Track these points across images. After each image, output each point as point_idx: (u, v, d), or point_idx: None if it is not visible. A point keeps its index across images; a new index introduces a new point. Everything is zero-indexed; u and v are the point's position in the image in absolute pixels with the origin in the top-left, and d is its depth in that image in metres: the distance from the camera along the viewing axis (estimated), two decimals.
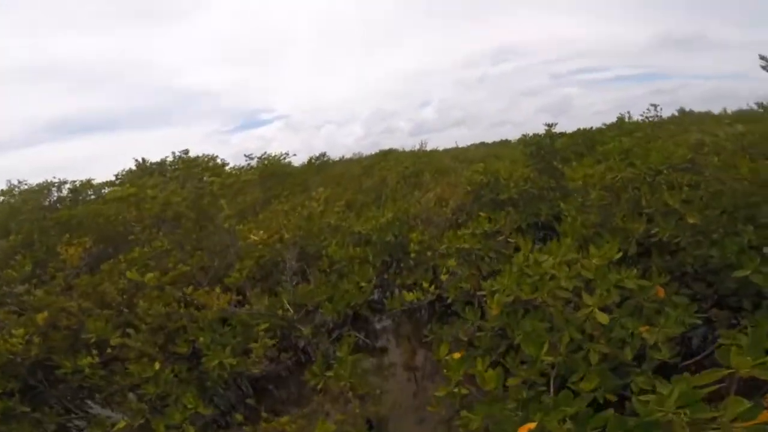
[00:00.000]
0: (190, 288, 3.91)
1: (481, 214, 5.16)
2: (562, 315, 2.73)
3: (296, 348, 4.67)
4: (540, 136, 6.91)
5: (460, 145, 19.83)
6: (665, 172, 3.64)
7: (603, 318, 2.52)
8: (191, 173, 8.82)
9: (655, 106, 8.19)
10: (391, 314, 4.71)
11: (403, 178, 7.33)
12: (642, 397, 1.86)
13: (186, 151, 12.50)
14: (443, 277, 3.93)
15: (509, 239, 4.22)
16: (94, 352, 3.88)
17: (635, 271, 2.92)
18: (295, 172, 13.85)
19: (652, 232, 3.57)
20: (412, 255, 4.35)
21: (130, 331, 3.96)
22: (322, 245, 5.27)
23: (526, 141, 6.99)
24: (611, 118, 9.65)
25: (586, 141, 7.43)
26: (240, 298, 4.95)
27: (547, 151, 6.73)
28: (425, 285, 3.67)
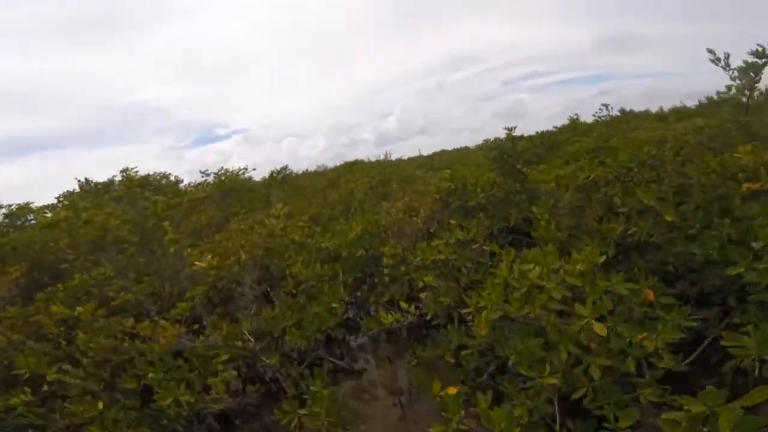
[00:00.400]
0: (131, 320, 3.35)
1: (452, 221, 4.94)
2: (556, 328, 2.48)
3: (263, 379, 4.18)
4: (501, 140, 6.83)
5: (424, 153, 19.84)
6: (635, 169, 3.54)
7: (601, 329, 2.29)
8: (132, 193, 8.09)
9: (606, 106, 8.38)
10: (369, 333, 4.34)
11: (371, 188, 7.01)
12: (666, 416, 1.61)
13: (131, 169, 11.63)
14: (421, 295, 3.61)
15: (484, 246, 3.98)
16: (27, 389, 3.27)
17: (621, 274, 2.76)
18: (257, 187, 13.20)
19: (629, 232, 3.45)
20: (386, 270, 4.00)
21: (66, 367, 3.35)
22: (286, 264, 4.82)
23: (488, 146, 6.87)
24: (564, 120, 9.85)
25: (545, 143, 7.44)
26: (196, 327, 4.40)
27: (509, 154, 6.64)
28: (403, 304, 3.34)
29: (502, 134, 6.90)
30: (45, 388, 3.17)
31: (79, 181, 11.09)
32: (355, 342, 5.41)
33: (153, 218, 5.07)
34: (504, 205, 5.45)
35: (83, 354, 3.35)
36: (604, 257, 2.88)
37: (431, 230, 5.08)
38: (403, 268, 3.99)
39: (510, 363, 2.60)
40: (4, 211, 10.46)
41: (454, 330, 3.16)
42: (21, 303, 4.40)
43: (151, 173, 12.40)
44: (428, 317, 3.39)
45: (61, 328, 3.49)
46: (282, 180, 14.73)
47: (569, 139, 7.53)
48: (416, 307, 3.35)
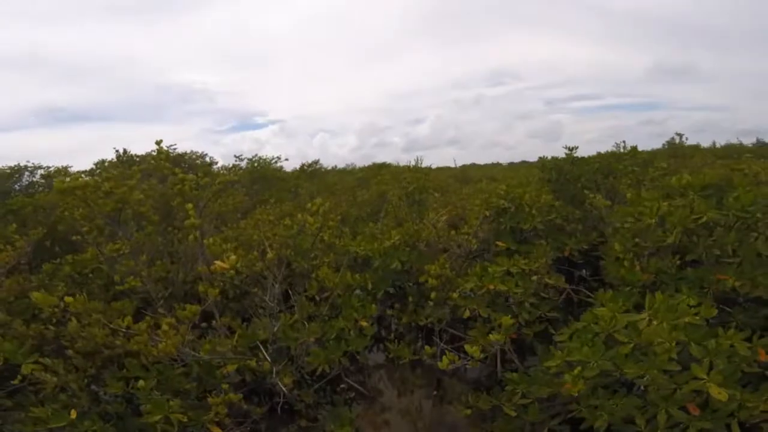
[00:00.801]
0: (128, 319, 2.81)
1: (499, 243, 4.27)
2: (659, 389, 1.92)
3: (271, 393, 3.60)
4: (559, 159, 6.14)
5: (453, 165, 19.10)
6: (759, 215, 2.81)
7: (721, 394, 1.82)
8: (161, 167, 7.74)
9: (680, 135, 7.49)
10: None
11: (406, 194, 6.40)
12: None
13: (170, 146, 11.43)
14: (471, 332, 2.97)
15: (547, 280, 3.32)
16: None
17: (733, 331, 2.17)
18: (287, 177, 12.80)
19: (738, 284, 2.75)
20: (432, 294, 3.37)
21: (45, 360, 2.82)
22: (313, 265, 4.26)
23: (544, 164, 6.18)
24: (603, 147, 8.96)
25: (602, 168, 6.66)
26: (204, 325, 3.87)
27: (568, 176, 5.94)
28: (469, 348, 2.66)
29: (536, 154, 6.26)
30: (17, 380, 2.66)
31: (116, 151, 10.92)
32: (371, 357, 4.78)
33: (178, 197, 4.59)
34: (560, 233, 4.75)
35: (72, 342, 2.84)
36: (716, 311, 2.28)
37: (475, 251, 4.43)
38: (447, 293, 3.36)
39: (597, 424, 2.01)
40: (42, 172, 10.37)
41: (518, 377, 2.52)
42: (21, 275, 3.97)
43: (187, 151, 12.24)
44: (479, 357, 2.74)
45: (55, 309, 3.01)
46: (312, 174, 14.32)
47: (626, 168, 6.73)
48: (482, 351, 2.69)
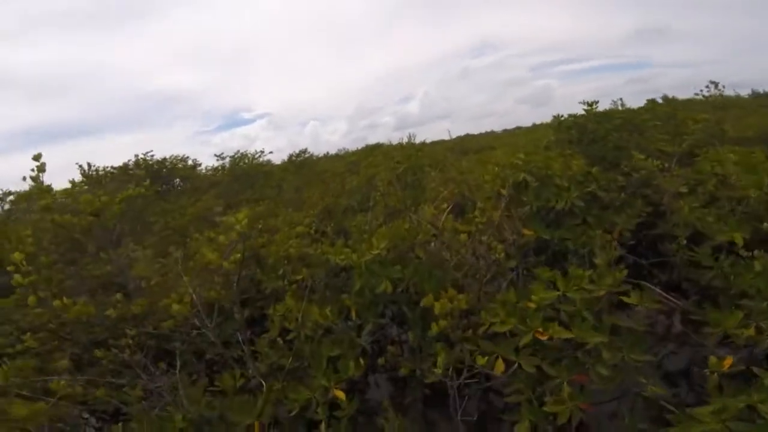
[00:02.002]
0: None
1: (526, 231, 2.95)
2: None
3: None
4: (579, 116, 4.74)
5: (448, 137, 17.53)
6: None
7: None
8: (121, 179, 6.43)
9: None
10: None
11: (396, 177, 5.06)
12: None
13: (146, 153, 10.10)
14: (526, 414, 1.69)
15: (618, 291, 2.02)
16: None
17: None
18: (273, 171, 11.45)
19: None
20: (437, 349, 2.04)
21: None
22: (272, 289, 3.00)
23: (562, 123, 4.78)
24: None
25: (626, 125, 5.22)
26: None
27: (593, 136, 4.57)
28: None
29: (528, 120, 4.87)
30: None
31: (80, 167, 9.47)
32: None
33: (111, 218, 3.26)
34: (601, 209, 3.43)
35: None
36: None
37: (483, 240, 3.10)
38: (461, 332, 2.06)
39: None
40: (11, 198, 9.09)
41: None
42: None
43: (167, 156, 10.96)
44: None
45: None
46: (300, 164, 12.94)
47: (645, 122, 5.30)
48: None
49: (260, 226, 4.89)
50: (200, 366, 3.10)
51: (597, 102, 4.62)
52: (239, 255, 2.28)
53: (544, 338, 1.69)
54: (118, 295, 2.40)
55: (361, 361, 2.39)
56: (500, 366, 1.85)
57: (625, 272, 2.06)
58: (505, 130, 21.31)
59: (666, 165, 3.92)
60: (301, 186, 9.19)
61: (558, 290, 1.86)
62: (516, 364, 1.81)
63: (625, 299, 2.07)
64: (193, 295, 2.34)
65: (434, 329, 1.97)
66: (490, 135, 20.06)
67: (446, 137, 18.11)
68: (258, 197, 8.67)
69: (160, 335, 2.51)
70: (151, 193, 6.58)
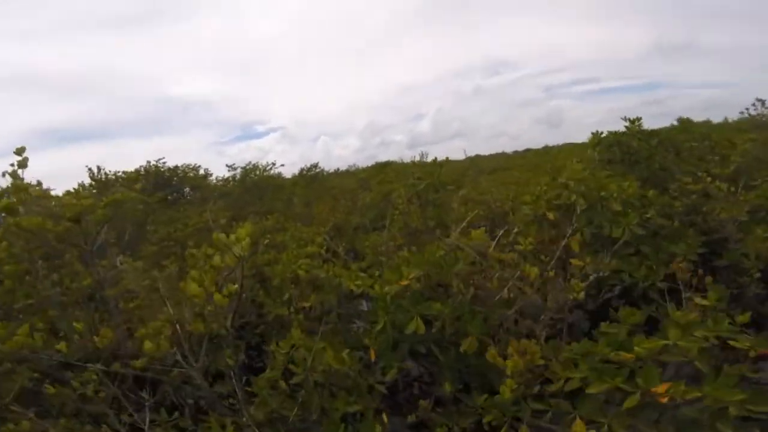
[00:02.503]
0: None
1: (574, 261, 2.43)
2: None
3: None
4: (620, 134, 4.27)
5: (464, 155, 17.04)
6: None
7: None
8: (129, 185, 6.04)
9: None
10: None
11: (416, 194, 4.56)
12: None
13: (159, 159, 9.87)
14: None
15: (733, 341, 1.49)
16: None
17: None
18: (283, 184, 11.08)
19: None
20: (504, 396, 1.48)
21: None
22: (274, 319, 2.49)
23: (602, 141, 4.29)
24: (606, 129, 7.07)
25: (665, 144, 4.71)
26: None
27: (636, 156, 4.08)
28: None
29: (539, 142, 4.46)
30: None
31: (89, 170, 9.10)
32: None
33: (95, 225, 2.79)
34: (658, 238, 2.90)
35: None
36: None
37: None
38: (531, 389, 1.53)
39: None
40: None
41: None
42: None
43: (179, 165, 10.69)
44: None
45: None
46: (311, 178, 12.58)
47: (683, 143, 4.82)
48: None
49: (266, 242, 4.42)
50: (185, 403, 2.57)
51: (640, 119, 4.16)
52: (235, 287, 1.79)
53: (664, 400, 1.17)
54: (79, 325, 1.91)
55: (385, 417, 1.86)
56: (581, 428, 1.32)
57: (748, 315, 1.56)
58: (516, 152, 20.88)
59: (724, 188, 3.42)
60: (311, 200, 8.76)
61: (666, 339, 1.34)
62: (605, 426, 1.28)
63: (733, 343, 1.55)
64: (177, 326, 1.84)
65: (506, 394, 1.44)
66: (501, 156, 19.62)
67: (459, 156, 17.66)
68: (267, 210, 8.27)
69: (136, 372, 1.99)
70: (155, 201, 6.15)
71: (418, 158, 13.52)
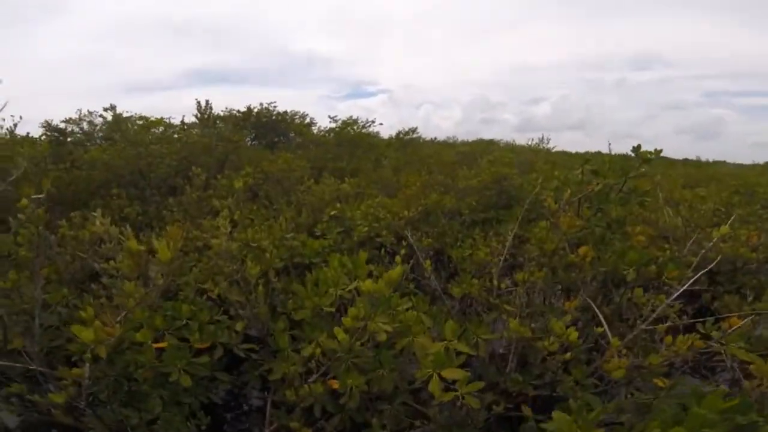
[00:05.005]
0: None
1: None
2: None
3: None
4: None
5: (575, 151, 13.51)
6: None
7: None
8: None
9: None
10: None
11: (586, 198, 2.54)
12: None
13: (270, 103, 8.99)
14: None
15: None
16: None
17: None
18: (377, 144, 9.60)
19: None
20: None
21: None
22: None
23: None
24: None
25: None
26: None
27: None
28: None
29: (680, 152, 1.93)
30: None
31: (197, 102, 8.48)
32: None
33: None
34: None
35: None
36: None
37: None
38: None
39: None
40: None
41: None
42: None
43: (288, 111, 10.09)
44: None
45: None
46: (406, 143, 10.86)
47: None
48: None
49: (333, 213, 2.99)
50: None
51: None
52: None
53: None
54: None
55: None
56: None
57: None
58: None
59: None
60: (402, 167, 7.09)
61: None
62: None
63: None
64: None
65: None
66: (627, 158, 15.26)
67: (573, 150, 14.12)
68: (354, 168, 6.88)
69: None
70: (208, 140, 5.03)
71: (535, 142, 10.83)
